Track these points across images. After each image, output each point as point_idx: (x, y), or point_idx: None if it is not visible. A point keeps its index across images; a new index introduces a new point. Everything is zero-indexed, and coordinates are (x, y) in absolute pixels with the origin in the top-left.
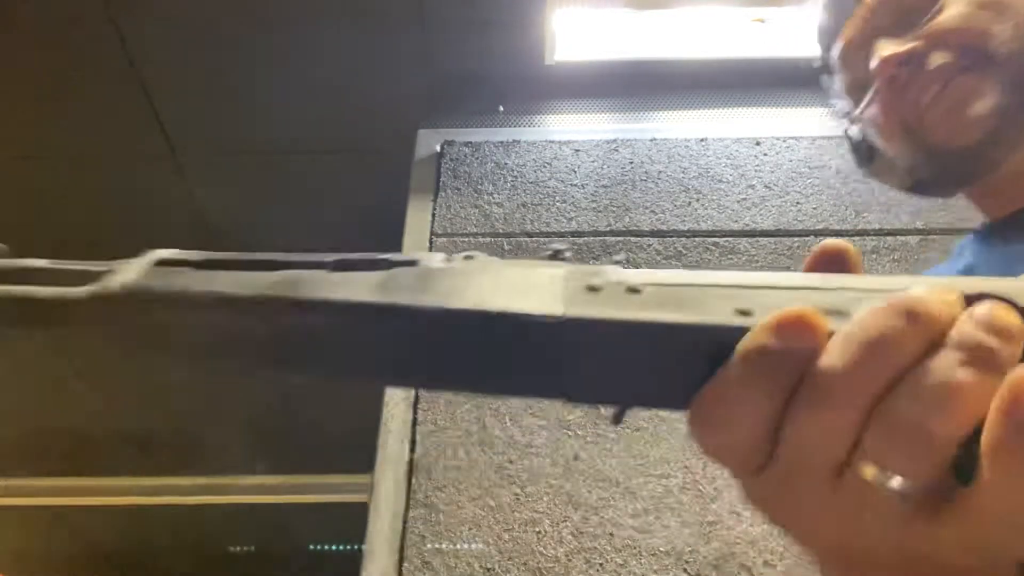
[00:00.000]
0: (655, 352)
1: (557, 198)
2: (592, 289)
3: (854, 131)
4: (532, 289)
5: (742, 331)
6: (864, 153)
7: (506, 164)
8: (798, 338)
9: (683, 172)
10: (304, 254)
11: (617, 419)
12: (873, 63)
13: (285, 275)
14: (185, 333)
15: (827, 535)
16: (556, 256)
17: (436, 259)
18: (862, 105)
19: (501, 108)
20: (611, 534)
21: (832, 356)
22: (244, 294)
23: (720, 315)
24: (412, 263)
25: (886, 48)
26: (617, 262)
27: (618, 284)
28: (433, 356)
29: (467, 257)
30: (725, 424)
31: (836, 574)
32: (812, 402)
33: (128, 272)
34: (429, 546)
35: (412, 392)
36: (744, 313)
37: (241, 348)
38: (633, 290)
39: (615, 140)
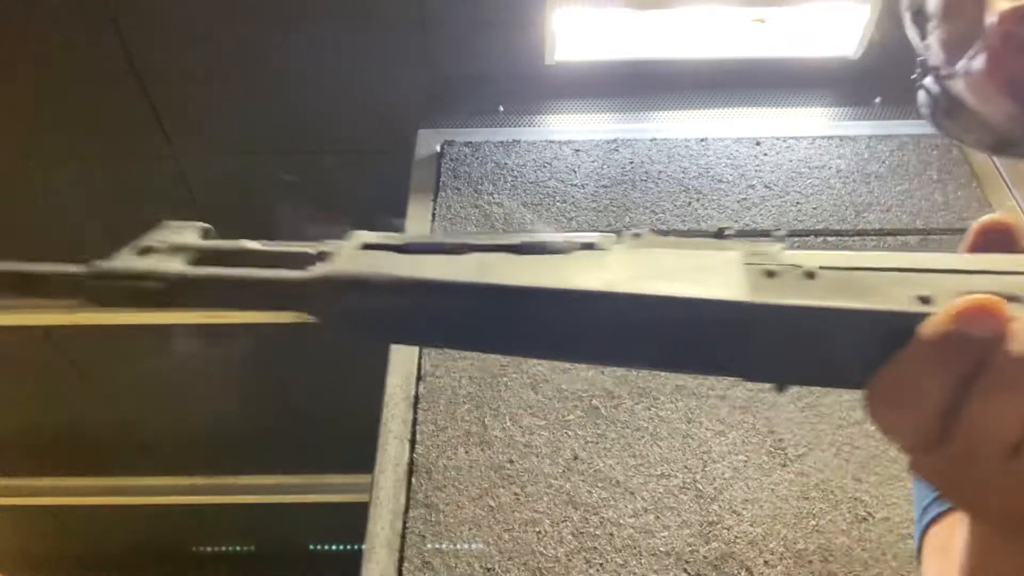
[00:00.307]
0: (836, 336)
1: (557, 198)
2: (770, 274)
3: (930, 83)
4: (712, 273)
5: (925, 318)
6: (944, 107)
7: (506, 164)
8: (982, 326)
9: (683, 172)
10: (487, 234)
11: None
12: (989, 18)
13: (478, 259)
14: (400, 313)
15: (996, 507)
16: (720, 235)
17: (608, 240)
18: (965, 59)
19: (501, 108)
20: (611, 534)
21: (1019, 344)
22: (454, 281)
23: (900, 302)
24: (588, 246)
25: (1003, 2)
26: (779, 239)
27: (793, 268)
28: (624, 334)
29: (635, 235)
30: (904, 404)
31: (1000, 540)
32: (994, 387)
33: (341, 255)
34: (429, 546)
35: (412, 392)
36: (924, 300)
37: (450, 327)
38: (809, 275)
39: (615, 140)
